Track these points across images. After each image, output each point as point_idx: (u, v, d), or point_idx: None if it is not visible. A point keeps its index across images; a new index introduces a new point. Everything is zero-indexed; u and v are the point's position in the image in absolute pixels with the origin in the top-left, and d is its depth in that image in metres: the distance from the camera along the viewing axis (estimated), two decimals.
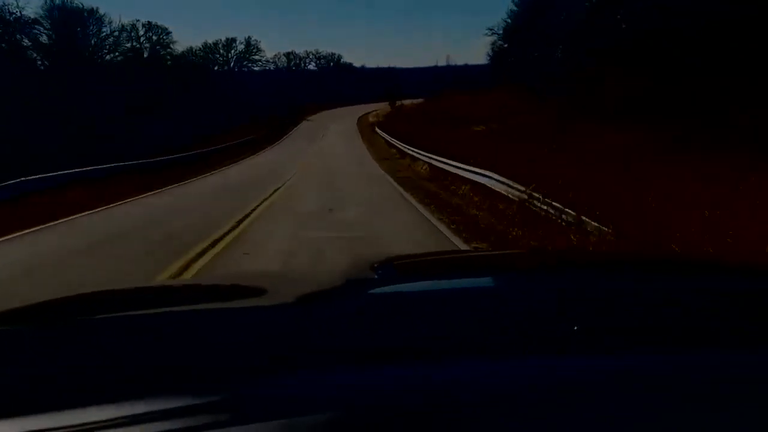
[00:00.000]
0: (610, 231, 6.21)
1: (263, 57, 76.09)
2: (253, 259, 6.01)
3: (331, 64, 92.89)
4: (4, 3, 37.49)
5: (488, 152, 15.06)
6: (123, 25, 47.81)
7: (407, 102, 53.68)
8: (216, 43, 70.67)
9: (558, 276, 1.21)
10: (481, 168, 11.60)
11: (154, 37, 50.75)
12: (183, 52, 57.37)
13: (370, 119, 50.98)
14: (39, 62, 41.78)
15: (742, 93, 13.70)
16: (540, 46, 39.17)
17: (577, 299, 0.93)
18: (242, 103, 53.55)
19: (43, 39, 41.76)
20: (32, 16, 39.97)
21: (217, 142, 31.70)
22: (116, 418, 0.48)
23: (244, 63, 73.40)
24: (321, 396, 0.53)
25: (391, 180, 15.07)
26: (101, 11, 45.42)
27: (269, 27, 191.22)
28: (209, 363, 0.65)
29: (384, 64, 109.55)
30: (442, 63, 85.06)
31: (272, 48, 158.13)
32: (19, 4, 39.06)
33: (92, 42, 45.43)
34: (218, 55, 71.02)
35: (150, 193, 13.39)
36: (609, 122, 18.45)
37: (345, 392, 0.53)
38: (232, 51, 72.08)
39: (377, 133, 36.43)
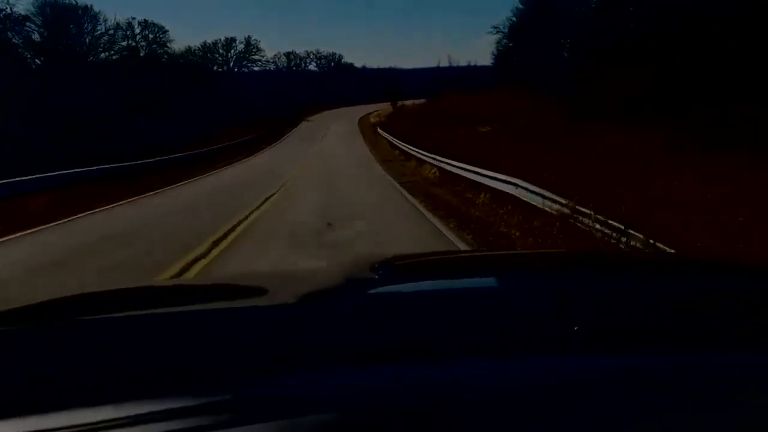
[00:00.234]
0: None
1: (263, 57, 74.33)
2: None
3: (332, 64, 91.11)
4: None
5: (499, 154, 13.77)
6: (118, 23, 46.05)
7: (408, 102, 52.58)
8: (215, 43, 68.95)
9: (558, 276, 1.18)
10: (503, 174, 9.90)
11: (151, 36, 49.02)
12: (182, 51, 55.71)
13: (372, 120, 49.39)
14: (30, 60, 40.05)
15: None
16: (545, 44, 38.01)
17: (577, 299, 0.91)
18: (243, 103, 52.34)
19: (35, 37, 40.05)
20: (23, 13, 38.25)
21: (215, 143, 30.31)
22: (116, 419, 0.48)
23: (244, 63, 71.68)
24: (321, 396, 0.52)
25: (397, 185, 13.37)
26: (96, 9, 43.69)
27: (269, 27, 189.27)
28: (209, 363, 0.63)
29: (384, 65, 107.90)
30: (444, 63, 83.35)
31: (272, 48, 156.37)
32: (10, 1, 37.26)
33: (86, 40, 43.71)
34: (217, 55, 69.31)
35: (122, 202, 11.63)
36: (618, 122, 18.17)
37: (345, 392, 0.53)
38: (232, 51, 70.37)
39: (379, 133, 34.87)
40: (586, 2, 32.44)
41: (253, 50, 71.63)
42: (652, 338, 0.69)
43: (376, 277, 1.15)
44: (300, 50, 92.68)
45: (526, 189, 8.52)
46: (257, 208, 9.79)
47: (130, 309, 1.03)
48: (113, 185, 14.20)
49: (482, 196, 10.23)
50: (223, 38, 70.14)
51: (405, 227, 8.01)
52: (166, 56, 49.95)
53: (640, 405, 0.51)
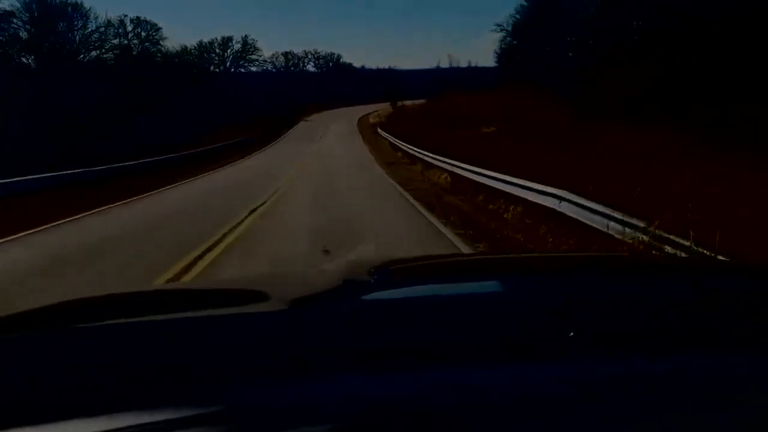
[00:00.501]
0: None
1: (260, 56, 72.25)
2: None
3: (330, 64, 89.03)
4: None
5: (511, 156, 12.39)
6: (109, 21, 43.98)
7: (408, 103, 50.98)
8: (212, 42, 66.87)
9: (557, 279, 1.17)
10: (538, 183, 7.98)
11: (143, 33, 46.93)
12: (177, 51, 53.66)
13: (371, 120, 47.53)
14: (17, 58, 38.01)
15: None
16: (550, 42, 36.49)
17: (576, 302, 0.90)
18: (241, 103, 50.64)
19: (23, 34, 38.02)
20: (7, 8, 36.19)
21: (209, 143, 28.38)
22: (115, 425, 0.47)
23: (241, 63, 69.63)
24: (318, 401, 0.51)
25: (405, 194, 11.42)
26: (86, 6, 41.63)
27: (268, 27, 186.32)
28: (207, 368, 0.63)
29: (384, 65, 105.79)
30: (444, 64, 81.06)
31: (272, 49, 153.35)
32: None
33: (77, 38, 41.68)
34: (214, 55, 67.26)
35: (84, 215, 9.58)
36: (626, 122, 17.64)
37: (342, 398, 0.52)
38: (229, 50, 68.32)
39: (380, 134, 33.02)
40: (590, 1, 31.35)
41: (250, 50, 69.60)
42: (654, 341, 0.67)
43: (373, 281, 1.10)
44: (298, 50, 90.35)
45: (578, 205, 6.60)
46: (237, 225, 7.88)
47: (126, 314, 1.00)
48: (81, 192, 12.35)
49: (512, 209, 8.32)
50: (219, 37, 68.18)
51: (426, 253, 6.07)
52: (159, 55, 47.92)
53: (643, 407, 0.50)
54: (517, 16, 41.97)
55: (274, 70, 79.66)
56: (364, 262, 1.34)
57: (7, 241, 7.29)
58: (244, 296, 1.11)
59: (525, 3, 40.87)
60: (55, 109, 35.52)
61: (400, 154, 22.22)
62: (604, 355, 0.62)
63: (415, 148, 19.79)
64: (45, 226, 8.29)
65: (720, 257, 4.03)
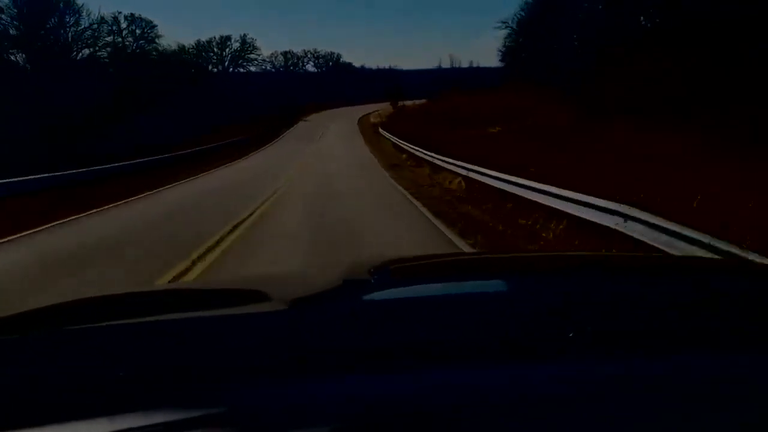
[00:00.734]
0: None
1: (259, 56, 70.59)
2: None
3: (330, 63, 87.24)
4: None
5: (524, 158, 11.23)
6: (102, 17, 42.27)
7: (409, 103, 49.49)
8: (210, 41, 65.16)
9: (557, 279, 1.15)
10: (587, 195, 6.36)
11: (138, 31, 45.20)
12: (174, 50, 51.98)
13: (372, 119, 45.89)
14: (6, 55, 36.34)
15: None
16: (555, 40, 35.15)
17: (577, 302, 0.88)
18: (241, 103, 49.31)
19: (12, 31, 36.35)
20: None
21: (205, 143, 26.95)
22: (115, 426, 0.47)
23: (240, 62, 67.92)
24: (317, 403, 0.51)
25: (414, 201, 9.78)
26: (78, 2, 39.95)
27: (268, 27, 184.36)
28: (207, 368, 0.62)
29: (384, 64, 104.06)
30: (445, 63, 79.03)
31: (271, 49, 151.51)
32: None
33: (69, 35, 40.00)
34: (212, 54, 65.57)
35: (28, 232, 7.88)
36: (641, 122, 16.92)
37: (341, 398, 0.52)
38: (227, 49, 66.63)
39: (381, 134, 31.43)
40: None
41: (249, 49, 67.89)
42: (654, 341, 0.66)
43: (373, 281, 1.08)
44: (298, 50, 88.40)
45: (652, 225, 4.97)
46: (217, 244, 6.28)
47: (126, 314, 0.99)
48: (54, 197, 10.76)
49: (553, 226, 6.70)
50: (217, 36, 66.45)
51: None
52: (155, 53, 46.24)
53: (643, 407, 0.49)
54: (522, 14, 40.43)
55: (273, 69, 77.95)
56: (364, 262, 1.33)
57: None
58: (244, 296, 1.09)
59: (530, 0, 39.35)
60: (48, 108, 33.95)
61: (404, 155, 20.60)
62: (604, 355, 0.62)
63: (421, 149, 18.18)
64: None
65: None
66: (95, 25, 40.90)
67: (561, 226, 6.58)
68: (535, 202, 7.91)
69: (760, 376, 0.56)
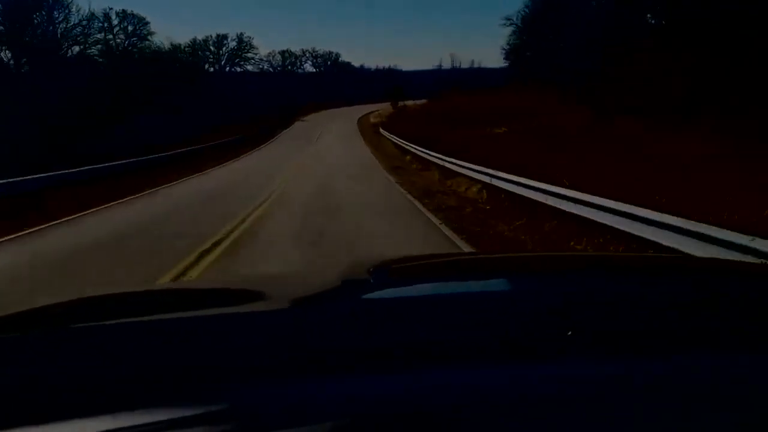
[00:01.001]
0: None
1: (256, 55, 68.71)
2: None
3: (329, 63, 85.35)
4: None
5: (543, 163, 10.04)
6: (93, 14, 40.40)
7: (410, 103, 47.88)
8: (206, 40, 63.34)
9: (557, 279, 1.13)
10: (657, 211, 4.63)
11: (130, 28, 43.32)
12: (168, 48, 50.17)
13: (372, 120, 44.18)
14: None
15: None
16: (562, 37, 33.73)
17: (577, 302, 0.87)
18: (240, 102, 47.71)
19: None
20: None
21: (195, 144, 25.16)
22: (116, 424, 0.46)
23: (237, 61, 66.09)
24: (317, 403, 0.50)
25: (429, 214, 8.04)
26: None
27: (266, 26, 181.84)
28: (207, 367, 0.61)
29: (384, 64, 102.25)
30: (446, 63, 76.99)
31: (269, 48, 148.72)
32: None
33: (58, 31, 38.17)
34: (208, 53, 63.74)
35: None
36: (659, 122, 16.13)
37: (341, 398, 0.51)
38: (224, 48, 64.81)
39: (383, 135, 29.74)
40: None
41: (246, 48, 66.07)
42: (654, 341, 0.65)
43: (372, 280, 1.06)
44: (296, 49, 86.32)
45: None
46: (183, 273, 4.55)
47: (126, 314, 0.98)
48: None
49: (612, 250, 4.97)
50: (214, 35, 64.65)
51: None
52: (148, 51, 44.41)
53: (643, 407, 0.49)
54: (526, 10, 38.79)
55: (271, 69, 76.10)
56: (364, 262, 1.31)
57: None
58: (244, 296, 1.08)
59: None
60: (38, 107, 32.21)
61: (408, 157, 18.88)
62: (604, 355, 0.61)
63: (426, 150, 16.50)
64: None
65: None
66: (84, 22, 39.05)
67: (620, 247, 4.85)
68: (582, 218, 6.22)
69: (760, 376, 0.55)
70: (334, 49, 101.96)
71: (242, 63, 66.39)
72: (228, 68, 65.05)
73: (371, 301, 0.93)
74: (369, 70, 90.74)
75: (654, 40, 21.11)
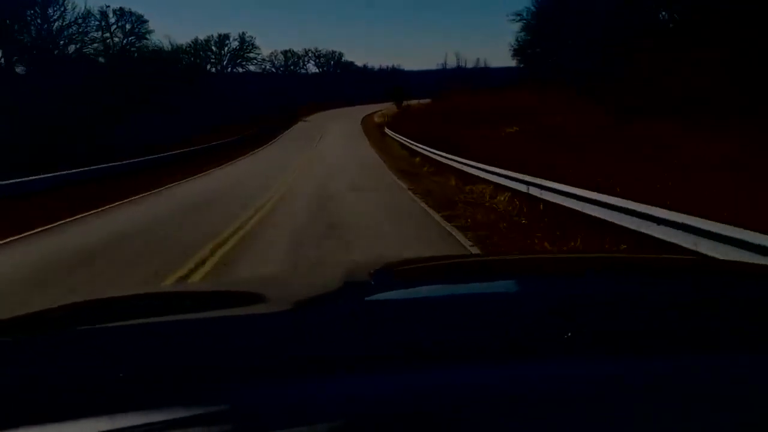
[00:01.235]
0: None
1: (258, 55, 67.00)
2: None
3: (332, 62, 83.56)
4: None
5: (571, 164, 9.05)
6: (89, 11, 38.78)
7: (414, 102, 46.29)
8: (207, 40, 61.73)
9: (556, 279, 1.13)
10: None
11: (128, 26, 41.68)
12: (169, 48, 48.62)
13: (376, 120, 42.51)
14: None
15: None
16: (574, 33, 32.28)
17: (577, 302, 0.86)
18: (242, 102, 46.32)
19: None
20: None
21: (188, 146, 23.59)
22: (116, 425, 0.46)
23: (239, 61, 64.50)
24: (317, 403, 0.50)
25: (458, 234, 6.38)
26: None
27: (268, 26, 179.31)
28: (207, 369, 0.60)
29: (387, 63, 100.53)
30: (450, 62, 74.69)
31: (271, 48, 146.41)
32: None
33: (54, 28, 36.63)
34: (210, 53, 62.16)
35: None
36: (681, 122, 15.08)
37: (343, 399, 0.50)
38: (225, 48, 63.22)
39: (388, 135, 28.13)
40: None
41: (248, 48, 64.44)
42: (654, 341, 0.64)
43: (373, 282, 1.04)
44: (298, 49, 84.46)
45: None
46: None
47: (127, 315, 0.96)
48: None
49: None
50: (215, 35, 63.03)
51: None
52: (146, 50, 42.82)
53: (643, 407, 0.48)
54: (536, 5, 37.08)
55: (273, 69, 74.44)
56: (365, 264, 1.31)
57: None
58: (245, 297, 1.07)
59: None
60: (32, 107, 30.74)
61: (417, 159, 17.24)
62: (604, 355, 0.61)
63: (438, 152, 14.91)
64: None
65: None
66: (80, 20, 37.46)
67: None
68: (671, 244, 4.59)
69: (760, 376, 0.55)
70: (337, 49, 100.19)
71: (244, 63, 64.81)
72: (230, 68, 63.51)
73: (372, 302, 0.91)
74: (372, 69, 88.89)
75: (677, 35, 19.99)
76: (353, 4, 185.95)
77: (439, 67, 67.94)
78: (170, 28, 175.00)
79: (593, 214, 5.92)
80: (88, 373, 0.61)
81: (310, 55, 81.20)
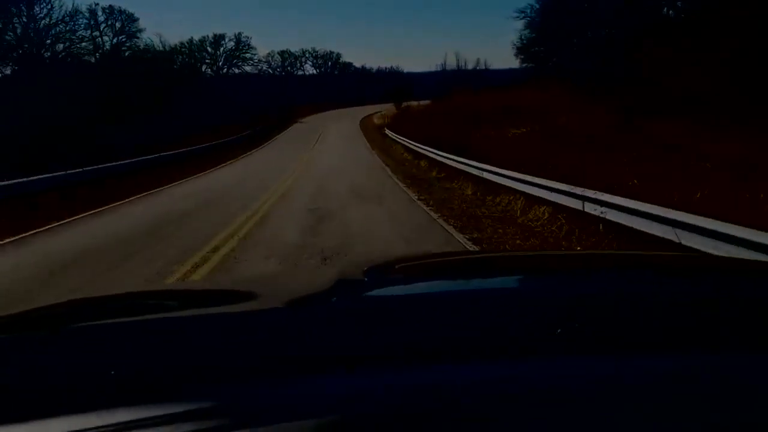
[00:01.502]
0: None
1: (254, 55, 65.19)
2: None
3: (330, 63, 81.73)
4: None
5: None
6: (77, 10, 37.02)
7: (413, 103, 44.75)
8: (203, 40, 59.97)
9: (556, 278, 1.10)
10: None
11: (118, 25, 39.90)
12: (163, 48, 46.90)
13: (376, 121, 40.85)
14: None
15: None
16: (583, 29, 30.92)
17: (577, 302, 0.83)
18: (240, 103, 44.77)
19: None
20: None
21: (175, 148, 21.92)
22: (112, 423, 0.46)
23: (235, 62, 62.74)
24: (314, 401, 0.49)
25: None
26: None
27: (266, 27, 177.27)
28: (203, 368, 0.60)
29: (386, 64, 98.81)
30: (450, 62, 73.01)
31: (268, 48, 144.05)
32: None
33: (40, 26, 34.90)
34: (205, 54, 60.40)
35: None
36: (697, 122, 14.10)
37: (338, 398, 0.50)
38: (221, 49, 61.46)
39: (389, 137, 26.49)
40: None
41: (244, 48, 62.67)
42: (655, 341, 0.64)
43: (369, 280, 1.04)
44: (296, 49, 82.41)
45: None
46: None
47: (126, 314, 0.96)
48: None
49: None
50: (210, 35, 61.28)
51: None
52: (137, 49, 41.09)
53: (643, 407, 0.47)
54: (537, 4, 35.57)
55: (270, 70, 72.65)
56: (360, 262, 1.29)
57: None
58: (241, 297, 1.05)
59: None
60: (21, 107, 29.10)
61: (423, 162, 15.59)
62: (604, 354, 0.60)
63: (447, 155, 13.31)
64: None
65: None
66: (68, 18, 35.70)
67: None
68: None
69: (760, 376, 0.54)
70: (335, 50, 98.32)
71: (240, 64, 63.02)
72: (226, 69, 61.74)
73: (366, 299, 0.90)
74: (370, 70, 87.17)
75: (691, 33, 18.72)
76: (352, 4, 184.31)
77: (439, 68, 66.20)
78: (164, 29, 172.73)
79: (661, 235, 4.26)
80: (85, 370, 0.60)
81: (307, 55, 79.37)
